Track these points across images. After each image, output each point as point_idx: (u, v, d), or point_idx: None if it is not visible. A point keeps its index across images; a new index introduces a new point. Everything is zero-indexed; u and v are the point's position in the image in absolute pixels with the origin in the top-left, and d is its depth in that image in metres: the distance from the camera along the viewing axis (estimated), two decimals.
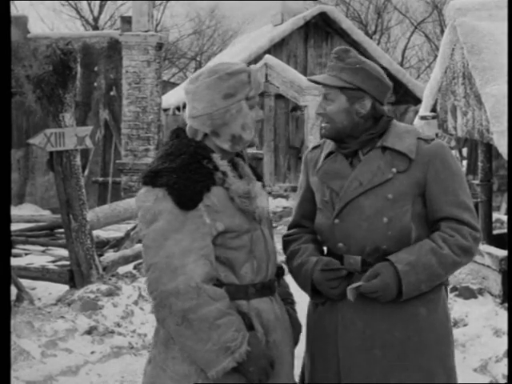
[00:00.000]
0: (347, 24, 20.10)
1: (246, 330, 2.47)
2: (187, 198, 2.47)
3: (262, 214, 2.62)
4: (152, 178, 2.51)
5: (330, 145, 2.83)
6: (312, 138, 15.51)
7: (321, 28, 20.03)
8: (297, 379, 2.82)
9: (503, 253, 7.10)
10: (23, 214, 14.05)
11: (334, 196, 2.75)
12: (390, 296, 2.60)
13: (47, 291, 7.56)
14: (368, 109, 2.74)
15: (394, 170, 2.68)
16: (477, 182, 8.31)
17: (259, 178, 2.73)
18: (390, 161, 2.70)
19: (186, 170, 2.50)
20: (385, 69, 19.88)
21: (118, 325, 6.38)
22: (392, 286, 2.59)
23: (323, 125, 2.78)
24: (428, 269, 2.61)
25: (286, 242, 2.92)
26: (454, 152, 13.94)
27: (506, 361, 5.19)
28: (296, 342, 2.77)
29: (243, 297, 2.56)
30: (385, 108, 2.82)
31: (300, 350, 2.83)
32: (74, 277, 7.27)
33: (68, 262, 7.83)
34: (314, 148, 2.92)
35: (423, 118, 8.63)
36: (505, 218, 10.62)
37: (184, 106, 19.17)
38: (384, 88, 2.77)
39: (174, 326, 2.43)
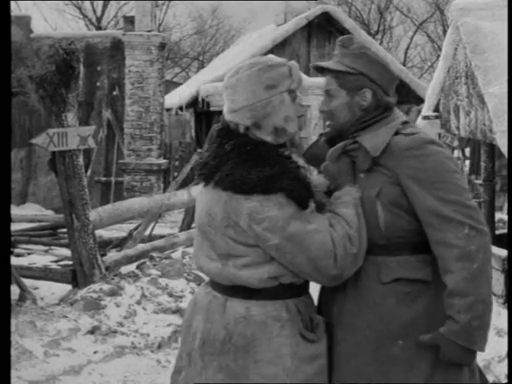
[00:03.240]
0: (350, 24, 20.07)
1: None
2: (306, 198, 2.50)
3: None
4: (266, 185, 2.47)
5: None
6: (315, 138, 15.52)
7: (323, 28, 20.01)
8: None
9: (506, 253, 7.09)
10: (26, 213, 14.04)
11: None
12: (466, 354, 2.52)
13: (50, 291, 7.57)
14: (369, 100, 2.66)
15: None
16: (479, 181, 8.32)
17: None
18: None
19: (289, 172, 2.50)
20: None
21: (121, 324, 6.38)
22: (453, 350, 2.52)
23: (327, 123, 2.74)
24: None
25: None
26: (457, 152, 13.92)
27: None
28: None
29: None
30: (391, 99, 2.72)
31: None
32: (76, 276, 7.27)
33: (71, 262, 7.84)
34: None
35: (426, 117, 8.63)
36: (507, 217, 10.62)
37: (187, 106, 19.17)
38: (388, 75, 2.70)
39: None
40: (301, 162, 2.61)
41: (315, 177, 2.63)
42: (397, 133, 2.63)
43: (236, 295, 2.58)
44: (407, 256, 2.60)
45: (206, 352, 2.59)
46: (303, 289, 2.64)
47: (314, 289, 2.77)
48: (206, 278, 2.78)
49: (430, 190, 2.54)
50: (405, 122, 2.69)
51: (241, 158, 2.51)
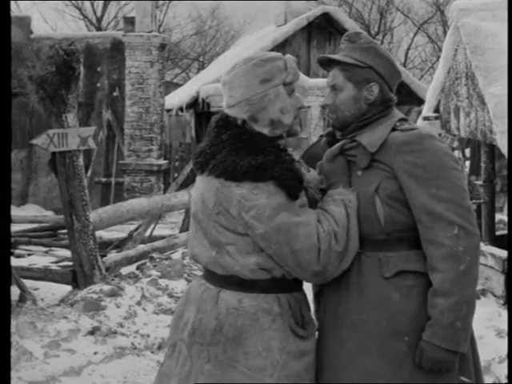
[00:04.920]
0: (350, 24, 20.06)
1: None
2: (296, 188, 2.52)
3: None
4: (256, 173, 2.50)
5: None
6: (315, 138, 15.52)
7: (324, 28, 20.01)
8: None
9: (506, 253, 7.09)
10: (26, 214, 14.04)
11: None
12: (450, 357, 2.51)
13: (50, 292, 7.56)
14: (376, 94, 2.69)
15: None
16: (480, 182, 8.31)
17: None
18: None
19: (282, 162, 2.52)
20: None
21: (121, 325, 6.38)
22: (438, 355, 2.50)
23: (330, 115, 2.76)
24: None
25: None
26: (457, 152, 13.92)
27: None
28: None
29: None
30: (394, 96, 2.75)
31: None
32: (76, 277, 7.27)
33: (71, 263, 7.83)
34: None
35: (426, 118, 8.63)
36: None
37: (187, 107, 19.17)
38: (394, 71, 2.74)
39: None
40: (296, 156, 2.64)
41: (309, 172, 2.66)
42: (394, 129, 2.64)
43: (229, 286, 2.59)
44: (407, 251, 2.60)
45: (195, 342, 2.61)
46: (296, 284, 2.65)
47: (308, 287, 2.78)
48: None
49: (424, 187, 2.54)
50: (402, 119, 2.70)
51: (235, 146, 2.56)
